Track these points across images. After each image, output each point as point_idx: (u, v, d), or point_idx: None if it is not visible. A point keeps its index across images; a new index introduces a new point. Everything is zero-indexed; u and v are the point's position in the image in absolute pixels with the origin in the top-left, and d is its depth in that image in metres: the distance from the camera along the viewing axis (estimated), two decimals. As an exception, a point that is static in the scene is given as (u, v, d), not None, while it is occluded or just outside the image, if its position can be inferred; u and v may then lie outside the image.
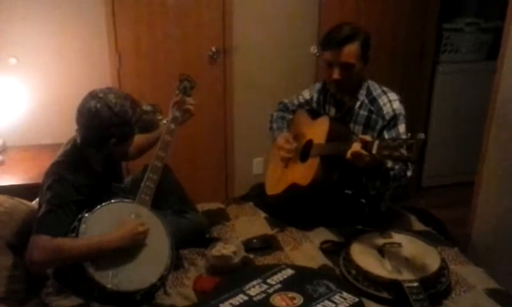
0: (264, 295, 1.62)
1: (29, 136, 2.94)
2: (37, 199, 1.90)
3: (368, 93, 2.09)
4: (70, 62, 2.95)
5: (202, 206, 2.29)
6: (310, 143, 2.13)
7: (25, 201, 2.01)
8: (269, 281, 1.70)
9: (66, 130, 1.97)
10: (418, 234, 2.01)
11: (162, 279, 1.74)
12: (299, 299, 1.60)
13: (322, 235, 2.09)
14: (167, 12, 3.04)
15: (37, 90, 2.93)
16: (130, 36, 3.02)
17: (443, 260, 1.78)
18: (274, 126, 2.37)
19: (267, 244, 2.04)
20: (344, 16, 2.99)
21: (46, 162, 1.89)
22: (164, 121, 2.01)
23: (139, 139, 2.10)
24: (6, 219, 1.83)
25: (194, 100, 2.10)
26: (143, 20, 3.02)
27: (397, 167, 1.87)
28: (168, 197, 2.03)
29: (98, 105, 1.74)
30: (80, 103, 1.79)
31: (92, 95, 1.78)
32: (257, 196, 2.42)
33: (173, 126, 2.01)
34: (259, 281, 1.70)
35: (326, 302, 1.58)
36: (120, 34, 2.99)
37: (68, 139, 1.90)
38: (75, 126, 1.83)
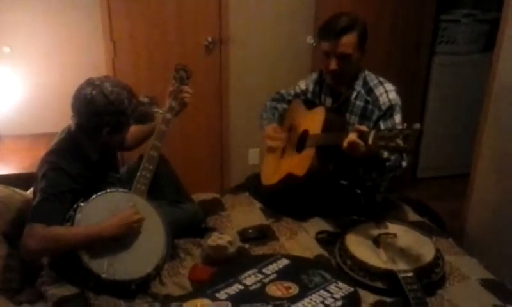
0: (259, 284, 1.63)
1: (24, 125, 2.92)
2: (32, 189, 1.89)
3: (365, 83, 2.08)
4: (64, 51, 2.93)
5: (198, 196, 2.29)
6: (305, 133, 2.12)
7: (20, 191, 2.00)
8: (264, 270, 1.70)
9: (60, 119, 1.95)
10: (413, 225, 2.02)
11: (158, 269, 1.74)
12: (295, 289, 1.60)
13: (317, 225, 2.10)
14: (161, 1, 3.01)
15: (31, 79, 2.91)
16: (125, 25, 3.00)
17: (437, 251, 1.79)
18: (264, 115, 2.37)
19: (262, 234, 2.04)
20: (340, 6, 2.96)
21: (41, 151, 1.88)
22: (160, 112, 2.00)
23: (135, 129, 2.09)
24: (0, 209, 1.82)
25: (191, 89, 2.09)
26: (138, 9, 3.00)
27: (392, 158, 1.87)
28: (164, 188, 2.02)
29: (94, 92, 1.73)
30: (76, 90, 1.78)
31: (89, 82, 1.77)
32: (253, 186, 2.42)
33: (169, 116, 2.00)
34: (255, 270, 1.70)
35: (322, 291, 1.59)
36: (114, 23, 2.97)
37: (63, 127, 1.89)
38: (69, 116, 1.82)
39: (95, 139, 1.82)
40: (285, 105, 2.40)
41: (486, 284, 1.71)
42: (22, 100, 2.91)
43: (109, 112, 1.75)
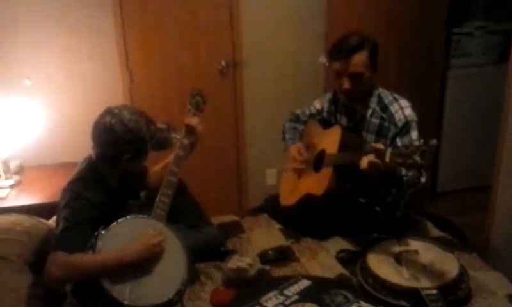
0: (281, 306, 1.62)
1: (45, 156, 2.98)
2: (54, 218, 1.93)
3: (380, 100, 2.09)
4: (83, 82, 3.01)
5: (217, 219, 2.29)
6: (322, 153, 2.13)
7: (43, 220, 2.04)
8: (285, 292, 1.69)
9: (81, 149, 1.99)
10: (435, 240, 1.99)
11: (179, 294, 1.74)
12: (317, 310, 1.59)
13: (338, 244, 2.08)
14: (175, 28, 3.08)
15: (51, 110, 2.98)
16: (141, 53, 3.07)
17: (461, 266, 1.76)
18: (287, 136, 2.39)
19: (282, 255, 2.03)
20: (350, 25, 2.99)
21: (62, 180, 1.92)
22: (178, 137, 2.02)
23: (157, 169, 2.11)
24: (24, 238, 1.86)
25: (197, 121, 2.04)
26: (152, 38, 3.07)
27: (410, 173, 1.86)
28: (183, 212, 2.03)
29: (113, 121, 1.77)
30: (96, 119, 1.82)
31: (108, 111, 1.81)
32: (271, 207, 2.42)
33: (186, 141, 2.02)
34: (276, 292, 1.69)
35: (344, 312, 1.57)
36: (130, 52, 3.04)
37: (83, 157, 1.93)
38: (90, 145, 1.86)
39: (115, 167, 1.86)
40: (301, 126, 2.41)
41: (513, 299, 1.67)
42: (43, 131, 2.98)
43: (128, 140, 1.78)
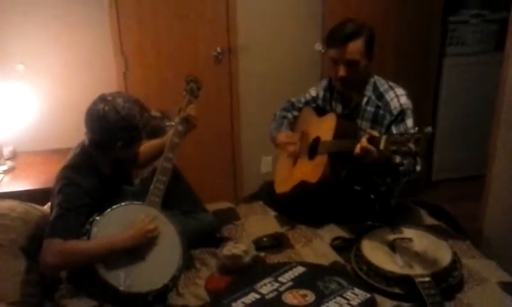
0: (275, 293, 1.63)
1: (39, 142, 2.97)
2: (49, 204, 1.92)
3: (375, 88, 2.08)
4: (77, 68, 2.98)
5: (212, 206, 2.29)
6: (317, 140, 2.13)
7: (37, 206, 2.03)
8: (280, 279, 1.70)
9: (75, 135, 1.98)
10: (429, 228, 2.00)
11: (174, 280, 1.75)
12: (311, 296, 1.60)
13: (332, 231, 2.09)
14: (171, 14, 3.05)
15: (45, 95, 2.96)
16: (135, 39, 3.04)
17: (454, 254, 1.77)
18: (272, 126, 2.38)
19: (277, 242, 2.04)
20: (347, 12, 2.97)
21: (56, 166, 1.91)
22: (173, 124, 2.02)
23: (147, 147, 2.11)
24: (18, 224, 1.85)
25: (195, 111, 2.05)
26: (147, 24, 3.04)
27: (405, 162, 1.86)
28: (178, 199, 2.04)
29: (106, 108, 1.76)
30: (89, 106, 1.81)
31: (101, 98, 1.80)
32: (266, 194, 2.42)
33: (181, 128, 2.02)
34: (270, 279, 1.70)
35: (338, 298, 1.58)
36: (125, 38, 3.01)
37: (77, 143, 1.92)
38: (83, 131, 1.85)
39: (108, 154, 1.85)
40: (295, 113, 2.41)
41: (506, 287, 1.68)
42: (37, 116, 2.96)
43: (121, 127, 1.77)
